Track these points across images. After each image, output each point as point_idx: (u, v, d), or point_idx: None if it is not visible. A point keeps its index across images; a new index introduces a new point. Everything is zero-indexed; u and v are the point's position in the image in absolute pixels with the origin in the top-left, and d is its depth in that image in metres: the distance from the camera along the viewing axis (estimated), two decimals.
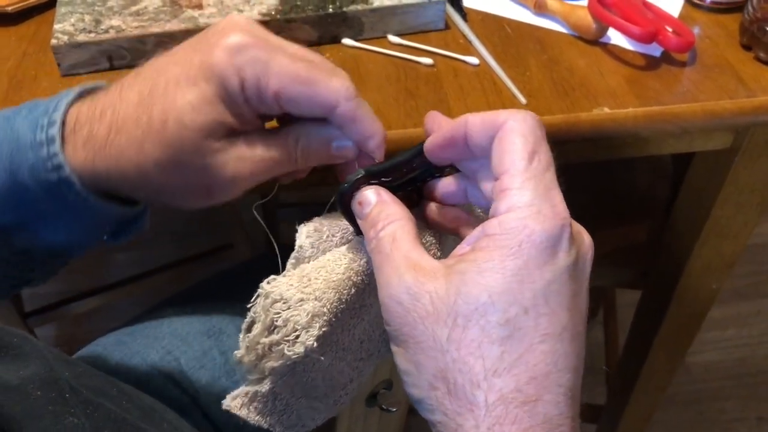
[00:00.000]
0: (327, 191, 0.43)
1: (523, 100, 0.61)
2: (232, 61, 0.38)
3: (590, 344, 1.59)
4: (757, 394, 1.46)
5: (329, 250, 0.42)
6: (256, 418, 0.41)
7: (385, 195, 0.38)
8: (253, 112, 0.40)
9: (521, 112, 0.35)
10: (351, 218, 0.41)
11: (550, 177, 0.34)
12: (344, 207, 0.40)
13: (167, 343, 0.66)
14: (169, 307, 0.70)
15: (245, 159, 0.40)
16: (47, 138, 0.39)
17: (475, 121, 0.36)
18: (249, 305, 0.39)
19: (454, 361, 0.32)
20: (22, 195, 0.41)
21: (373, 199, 0.38)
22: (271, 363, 0.38)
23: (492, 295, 0.31)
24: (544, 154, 0.34)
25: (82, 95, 0.42)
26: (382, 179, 0.40)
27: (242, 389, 0.41)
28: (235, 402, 0.41)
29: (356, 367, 0.45)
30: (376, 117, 0.41)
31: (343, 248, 0.41)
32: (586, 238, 0.35)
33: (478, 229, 0.34)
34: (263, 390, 0.40)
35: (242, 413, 0.41)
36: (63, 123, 0.40)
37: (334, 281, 0.39)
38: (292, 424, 0.43)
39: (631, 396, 1.09)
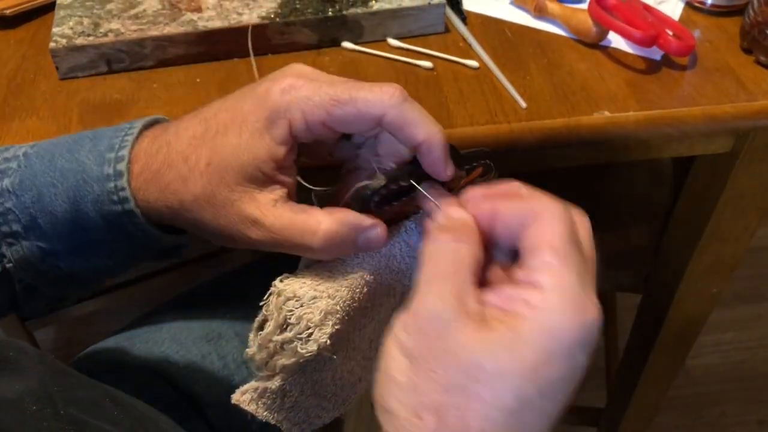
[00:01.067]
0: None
1: (523, 103, 0.61)
2: (280, 102, 0.39)
3: None
4: (757, 397, 1.45)
5: None
6: (265, 413, 0.41)
7: (471, 217, 0.38)
8: (292, 158, 0.41)
9: (562, 202, 0.36)
10: None
11: (590, 269, 0.35)
12: (364, 213, 0.40)
13: (166, 347, 0.65)
14: (168, 311, 0.70)
15: (262, 225, 0.40)
16: (115, 173, 0.42)
17: (505, 212, 0.36)
18: (261, 303, 0.39)
19: (456, 408, 0.32)
20: (82, 224, 0.43)
21: (459, 215, 0.38)
22: (283, 361, 0.38)
23: (521, 369, 0.31)
24: (588, 248, 0.35)
25: (146, 127, 0.44)
26: (402, 184, 0.40)
27: (252, 384, 0.41)
28: (244, 397, 0.41)
29: (365, 366, 0.45)
30: (430, 119, 0.39)
31: None
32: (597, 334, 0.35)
33: (517, 290, 0.34)
34: (273, 387, 0.40)
35: (251, 408, 0.41)
36: (130, 159, 0.42)
37: (346, 279, 0.39)
38: (299, 421, 0.43)
39: (632, 399, 1.09)
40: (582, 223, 0.37)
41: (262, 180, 0.39)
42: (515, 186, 0.38)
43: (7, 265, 0.45)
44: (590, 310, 0.33)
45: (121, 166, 0.42)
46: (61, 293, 0.49)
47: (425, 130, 0.39)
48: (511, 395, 0.31)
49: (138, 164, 0.42)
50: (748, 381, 1.48)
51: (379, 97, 0.38)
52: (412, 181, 0.40)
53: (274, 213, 0.39)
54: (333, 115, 0.38)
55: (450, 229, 0.36)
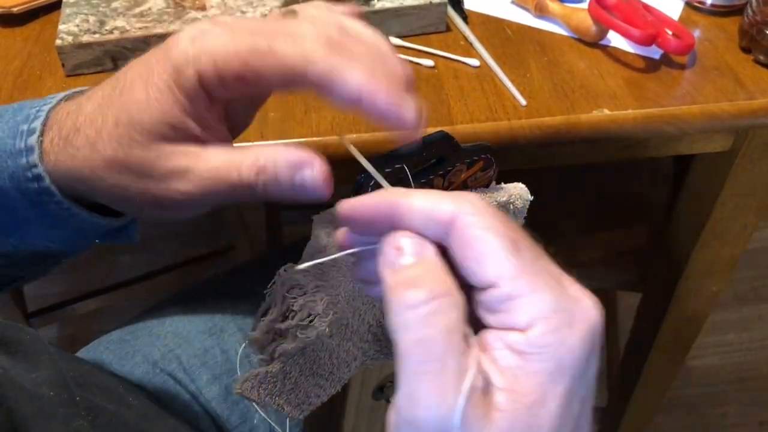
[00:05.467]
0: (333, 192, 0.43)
1: (523, 101, 0.61)
2: (187, 52, 0.34)
3: None
4: (758, 399, 1.45)
5: None
6: (266, 399, 0.42)
7: (433, 253, 0.29)
8: (216, 116, 0.36)
9: (465, 196, 0.29)
10: None
11: (546, 262, 0.28)
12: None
13: (169, 341, 0.66)
14: (170, 306, 0.71)
15: (193, 171, 0.35)
16: (26, 147, 0.38)
17: (411, 216, 0.29)
18: (265, 291, 0.39)
19: None
20: (4, 201, 0.40)
21: (420, 251, 0.29)
22: (284, 346, 0.39)
23: (532, 429, 0.26)
24: (521, 234, 0.28)
25: (69, 97, 0.40)
26: (396, 166, 0.40)
27: (252, 371, 0.42)
28: (245, 385, 0.42)
29: (360, 347, 0.45)
30: (363, 64, 0.33)
31: None
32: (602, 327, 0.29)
33: (493, 335, 0.28)
34: (274, 370, 0.41)
35: (253, 395, 0.42)
36: (43, 131, 0.38)
37: (349, 270, 0.40)
38: (299, 402, 0.44)
39: (632, 399, 1.09)
40: (486, 204, 0.29)
41: (179, 137, 0.35)
42: (392, 196, 0.30)
43: None
44: (585, 313, 0.27)
45: (32, 140, 0.38)
46: (8, 273, 0.46)
47: (358, 76, 0.33)
48: None
49: (50, 136, 0.38)
50: (749, 382, 1.48)
51: (301, 49, 0.33)
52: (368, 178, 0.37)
53: (205, 155, 0.35)
54: (249, 66, 0.33)
55: (418, 281, 0.28)
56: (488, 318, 0.28)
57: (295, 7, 0.38)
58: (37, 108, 0.39)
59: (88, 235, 0.43)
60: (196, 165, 0.35)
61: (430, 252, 0.29)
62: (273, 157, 0.35)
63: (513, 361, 0.27)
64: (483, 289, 0.28)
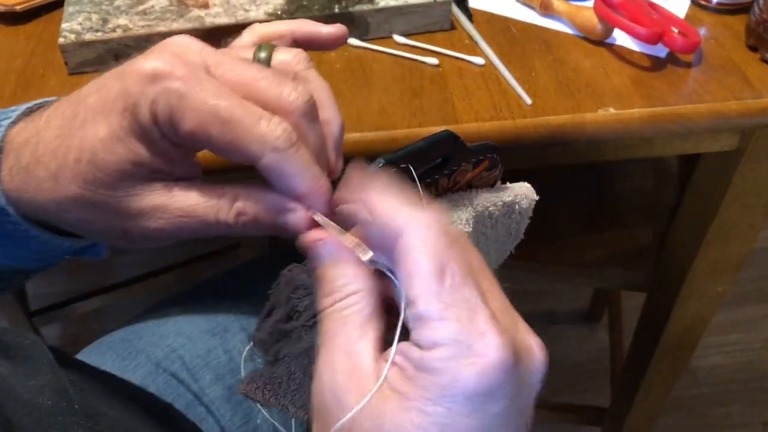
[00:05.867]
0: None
1: (528, 100, 0.61)
2: (145, 91, 0.32)
3: (595, 347, 1.59)
4: (762, 399, 1.45)
5: None
6: (270, 400, 0.41)
7: (341, 252, 0.32)
8: (180, 152, 0.34)
9: (419, 216, 0.30)
10: None
11: (470, 293, 0.28)
12: None
13: (172, 341, 0.66)
14: (173, 305, 0.71)
15: (165, 210, 0.34)
16: None
17: (375, 218, 0.31)
18: (269, 291, 0.39)
19: None
20: None
21: (326, 254, 0.32)
22: (289, 346, 0.39)
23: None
24: (457, 265, 0.29)
25: (28, 114, 0.38)
26: (401, 166, 0.39)
27: (257, 371, 0.41)
28: (249, 386, 0.41)
29: None
30: (314, 169, 0.33)
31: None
32: (535, 355, 0.29)
33: (406, 344, 0.29)
34: (278, 371, 0.41)
35: (257, 397, 0.41)
36: (0, 149, 0.36)
37: None
38: (304, 403, 0.43)
39: (636, 399, 1.09)
40: (438, 223, 0.30)
41: (144, 174, 0.34)
42: (359, 194, 0.32)
43: None
44: (483, 352, 0.27)
45: None
46: None
47: (308, 182, 0.33)
48: None
49: (9, 158, 0.36)
50: (753, 382, 1.47)
51: (264, 133, 0.32)
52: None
53: (177, 195, 0.34)
54: (204, 131, 0.31)
55: (325, 283, 0.31)
56: (410, 330, 0.30)
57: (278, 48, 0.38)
58: None
59: (53, 254, 0.41)
60: (167, 204, 0.34)
61: (339, 250, 0.32)
62: (253, 201, 0.34)
63: (410, 372, 0.28)
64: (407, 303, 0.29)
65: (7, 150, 0.36)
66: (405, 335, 0.30)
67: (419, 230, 0.29)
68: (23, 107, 0.38)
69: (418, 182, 0.40)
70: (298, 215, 0.34)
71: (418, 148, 0.40)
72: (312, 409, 0.31)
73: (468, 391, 0.27)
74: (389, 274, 0.31)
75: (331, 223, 0.34)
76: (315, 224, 0.34)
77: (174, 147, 0.33)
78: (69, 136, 0.34)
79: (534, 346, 0.29)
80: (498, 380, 0.27)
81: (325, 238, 0.32)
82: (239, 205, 0.34)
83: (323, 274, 0.32)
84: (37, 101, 0.39)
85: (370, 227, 0.31)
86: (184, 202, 0.34)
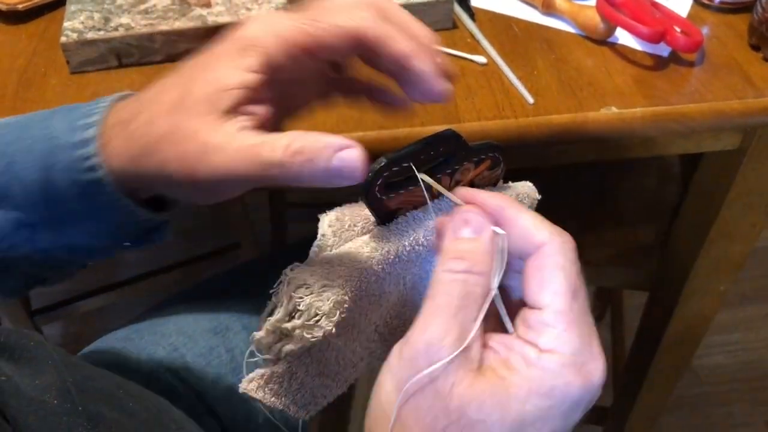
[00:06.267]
0: (337, 191, 0.43)
1: (530, 99, 0.61)
2: (255, 32, 0.37)
3: None
4: (765, 398, 1.45)
5: (351, 240, 0.42)
6: (272, 399, 0.41)
7: (490, 238, 0.36)
8: (269, 96, 0.38)
9: (561, 235, 0.35)
10: (374, 208, 0.41)
11: (591, 321, 0.34)
12: (368, 198, 0.40)
13: (174, 340, 0.66)
14: (175, 304, 0.71)
15: (230, 147, 0.37)
16: (83, 139, 0.40)
17: (511, 226, 0.36)
18: (271, 291, 0.39)
19: None
20: (54, 193, 0.41)
21: (476, 230, 0.36)
22: (290, 346, 0.39)
23: (504, 419, 0.31)
24: (583, 291, 0.34)
25: (122, 98, 0.42)
26: (403, 165, 0.39)
27: (258, 372, 0.41)
28: (251, 385, 0.41)
29: (367, 347, 0.45)
30: (416, 28, 0.38)
31: (365, 237, 0.42)
32: (599, 393, 0.34)
33: (518, 342, 0.33)
34: (279, 370, 0.41)
35: (258, 395, 0.41)
36: (100, 125, 0.40)
37: (356, 269, 0.39)
38: (305, 402, 0.43)
39: (638, 398, 1.09)
40: (574, 250, 0.35)
41: (228, 108, 0.37)
42: (507, 202, 0.37)
43: None
44: (593, 372, 0.32)
45: (91, 133, 0.40)
46: (38, 272, 0.48)
47: (410, 44, 0.37)
48: None
49: (108, 129, 0.40)
50: (756, 381, 1.47)
51: (358, 12, 0.37)
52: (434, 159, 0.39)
53: (240, 137, 0.37)
54: (310, 35, 0.36)
55: (462, 254, 0.35)
56: (520, 328, 0.34)
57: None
58: (92, 107, 0.41)
59: (126, 232, 0.45)
60: (230, 142, 0.36)
61: (487, 235, 0.36)
62: (309, 141, 0.36)
63: (519, 365, 0.32)
64: (530, 307, 0.34)
65: (106, 128, 0.40)
66: None
67: (564, 249, 0.34)
68: (115, 95, 0.42)
69: (421, 182, 0.40)
70: (352, 152, 0.35)
71: (419, 147, 0.40)
72: (403, 354, 0.33)
73: (570, 396, 0.32)
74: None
75: (439, 186, 0.39)
76: (366, 167, 0.36)
77: (268, 86, 0.38)
78: (172, 88, 0.38)
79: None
80: (590, 397, 0.32)
81: (477, 210, 0.36)
82: (296, 144, 0.35)
83: (465, 241, 0.36)
84: (129, 92, 0.43)
85: (506, 228, 0.35)
86: (245, 141, 0.36)
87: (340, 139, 0.35)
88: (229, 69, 0.37)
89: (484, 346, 0.34)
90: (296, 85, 0.42)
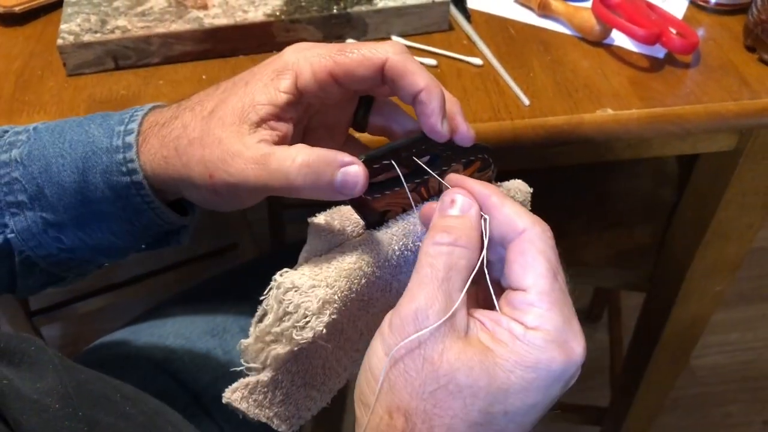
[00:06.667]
0: None
1: (526, 101, 0.61)
2: (289, 59, 0.41)
3: (595, 347, 1.59)
4: (762, 398, 1.45)
5: (340, 243, 0.42)
6: (255, 411, 0.41)
7: (476, 214, 0.38)
8: (294, 116, 0.42)
9: (541, 224, 0.37)
10: (361, 210, 0.41)
11: (570, 302, 0.36)
12: (354, 201, 0.40)
13: (171, 342, 0.66)
14: (173, 306, 0.71)
15: (245, 152, 0.40)
16: (124, 144, 0.43)
17: (495, 212, 0.38)
18: (261, 297, 0.39)
19: (425, 412, 0.33)
20: (89, 195, 0.44)
21: (463, 209, 0.38)
22: (278, 350, 0.38)
23: (491, 386, 0.33)
24: (562, 274, 0.36)
25: (154, 108, 0.46)
26: (384, 162, 0.40)
27: (242, 381, 0.41)
28: (235, 395, 0.41)
29: (351, 356, 0.45)
30: (427, 72, 0.41)
31: (355, 240, 0.42)
32: (579, 370, 0.36)
33: (504, 318, 0.35)
34: (264, 379, 0.41)
35: (242, 406, 0.41)
36: (139, 131, 0.44)
37: (345, 270, 0.39)
38: (289, 415, 0.43)
39: (635, 398, 1.09)
40: (552, 238, 0.37)
41: (254, 121, 0.40)
42: (493, 190, 0.39)
43: (9, 236, 0.46)
44: (575, 349, 0.34)
45: (130, 139, 0.43)
46: (57, 271, 0.50)
47: (425, 78, 0.40)
48: (477, 411, 0.33)
49: (144, 132, 0.43)
50: (753, 381, 1.47)
51: (383, 47, 0.40)
52: (413, 157, 0.40)
53: (256, 147, 0.40)
54: (339, 63, 0.40)
55: (448, 228, 0.37)
56: (504, 308, 0.36)
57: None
58: (128, 114, 0.45)
59: (149, 234, 0.48)
60: (248, 150, 0.40)
61: (473, 212, 0.38)
62: (318, 154, 0.39)
63: (506, 339, 0.34)
64: (513, 288, 0.36)
65: (143, 132, 0.44)
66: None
67: (543, 236, 0.36)
68: (149, 105, 0.46)
69: (403, 180, 0.40)
70: (354, 169, 0.38)
71: (399, 144, 0.40)
72: (392, 323, 0.35)
73: (553, 371, 0.34)
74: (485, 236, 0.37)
75: (424, 167, 0.40)
76: (367, 181, 0.39)
77: (296, 106, 0.41)
78: (210, 98, 0.43)
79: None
80: (570, 373, 0.34)
81: (465, 192, 0.39)
82: (303, 157, 0.38)
83: (451, 218, 0.38)
84: (161, 103, 0.47)
85: (490, 213, 0.37)
86: (259, 151, 0.39)
87: (343, 156, 0.38)
88: (262, 87, 0.41)
89: (470, 316, 0.36)
90: (330, 112, 0.45)
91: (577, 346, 0.34)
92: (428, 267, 0.35)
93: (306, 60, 0.41)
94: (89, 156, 0.44)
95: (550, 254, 0.36)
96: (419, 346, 0.34)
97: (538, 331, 0.34)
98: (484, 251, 0.37)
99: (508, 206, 0.37)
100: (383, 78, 0.40)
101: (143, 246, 0.51)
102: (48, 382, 0.38)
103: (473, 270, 0.36)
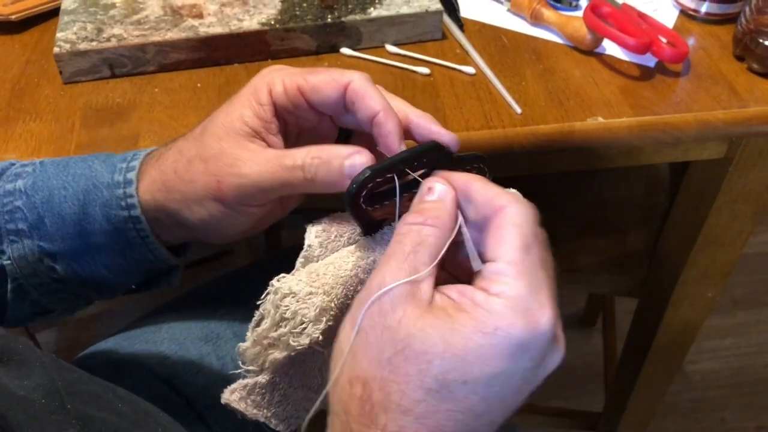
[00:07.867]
0: (329, 198, 0.44)
1: (518, 109, 0.62)
2: (264, 76, 0.45)
3: (589, 352, 1.59)
4: (756, 403, 1.45)
5: (337, 250, 0.43)
6: (254, 411, 0.42)
7: (452, 199, 0.39)
8: (276, 127, 0.45)
9: (521, 201, 0.37)
10: (359, 218, 0.41)
11: (543, 276, 0.35)
12: (353, 208, 0.41)
13: (165, 347, 0.66)
14: (167, 311, 0.71)
15: (254, 158, 0.43)
16: (125, 180, 0.46)
17: (476, 194, 0.38)
18: (258, 302, 0.40)
19: (382, 379, 0.34)
20: (87, 227, 0.47)
21: (440, 195, 0.39)
22: (275, 355, 0.39)
23: (446, 352, 0.33)
24: (538, 251, 0.36)
25: (154, 150, 0.48)
26: (387, 175, 0.40)
27: (240, 382, 0.42)
28: (233, 396, 0.42)
29: None
30: (385, 99, 0.43)
31: (351, 247, 0.42)
32: (559, 351, 0.36)
33: (470, 288, 0.35)
34: (262, 381, 0.41)
35: (240, 407, 0.42)
36: (140, 169, 0.46)
37: (342, 277, 0.40)
38: (287, 416, 0.43)
39: (629, 404, 1.09)
40: (535, 216, 0.37)
41: (247, 132, 0.44)
42: (475, 177, 0.39)
43: (5, 262, 0.48)
44: (539, 318, 0.33)
45: (131, 175, 0.46)
46: (48, 301, 0.51)
47: (381, 102, 0.42)
48: (433, 377, 0.33)
49: (144, 169, 0.46)
50: (747, 387, 1.48)
51: (349, 72, 0.44)
52: (406, 168, 0.41)
53: (263, 150, 0.43)
54: (307, 81, 0.43)
55: (421, 210, 0.38)
56: (475, 280, 0.36)
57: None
58: (134, 153, 0.48)
59: (141, 271, 0.50)
60: (261, 153, 0.43)
61: (449, 198, 0.38)
62: (327, 147, 0.42)
63: (467, 306, 0.34)
64: (484, 260, 0.36)
65: (143, 169, 0.47)
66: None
67: (523, 211, 0.36)
68: (151, 148, 0.49)
69: (398, 190, 0.41)
70: (362, 157, 0.41)
71: (403, 157, 0.41)
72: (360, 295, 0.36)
73: (514, 338, 0.33)
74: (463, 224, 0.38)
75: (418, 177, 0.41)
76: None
77: (274, 120, 0.45)
78: (200, 124, 0.46)
79: (563, 343, 0.36)
80: (536, 344, 0.33)
81: (443, 180, 0.39)
82: (314, 152, 0.42)
83: (427, 202, 0.38)
84: (151, 149, 0.50)
85: (472, 197, 0.38)
86: (271, 153, 0.43)
87: (350, 147, 0.42)
88: (245, 102, 0.44)
89: (440, 292, 0.36)
90: (308, 130, 0.48)
91: (541, 316, 0.34)
92: (396, 244, 0.36)
93: (279, 76, 0.44)
94: (90, 189, 0.46)
95: (525, 228, 0.36)
96: (380, 315, 0.34)
97: (499, 298, 0.34)
98: (460, 221, 0.38)
99: (490, 188, 0.38)
100: (345, 101, 0.43)
101: (133, 287, 0.53)
102: (35, 379, 0.39)
103: (443, 247, 0.36)
